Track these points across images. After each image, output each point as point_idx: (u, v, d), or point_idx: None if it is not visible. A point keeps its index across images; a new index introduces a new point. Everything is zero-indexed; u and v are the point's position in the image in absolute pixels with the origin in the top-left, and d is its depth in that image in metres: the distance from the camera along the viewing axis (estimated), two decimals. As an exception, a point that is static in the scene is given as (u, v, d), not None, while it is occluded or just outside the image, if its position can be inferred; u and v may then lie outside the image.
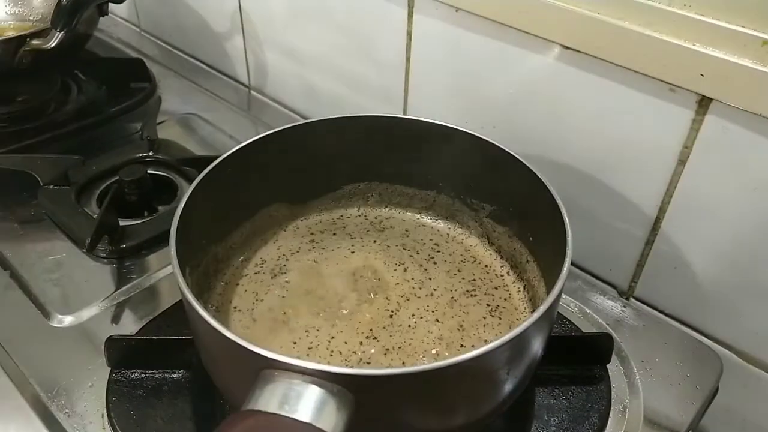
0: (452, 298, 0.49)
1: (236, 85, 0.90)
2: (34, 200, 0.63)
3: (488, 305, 0.49)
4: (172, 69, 0.89)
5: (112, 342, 0.46)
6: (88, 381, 0.46)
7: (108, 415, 0.44)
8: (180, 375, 0.46)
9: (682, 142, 0.49)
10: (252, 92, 0.88)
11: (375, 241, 0.54)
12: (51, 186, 0.63)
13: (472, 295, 0.50)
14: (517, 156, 0.47)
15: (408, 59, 0.65)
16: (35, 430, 0.44)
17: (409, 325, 0.47)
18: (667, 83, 0.47)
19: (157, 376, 0.46)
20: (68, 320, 0.51)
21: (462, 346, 0.45)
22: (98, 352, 0.47)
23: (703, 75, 0.45)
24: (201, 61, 0.94)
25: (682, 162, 0.50)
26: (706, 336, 0.54)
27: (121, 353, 0.46)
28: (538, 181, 0.45)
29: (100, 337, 0.47)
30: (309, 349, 0.45)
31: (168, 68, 0.89)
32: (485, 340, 0.46)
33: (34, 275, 0.55)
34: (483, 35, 0.57)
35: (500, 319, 0.48)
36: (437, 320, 0.47)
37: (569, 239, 0.40)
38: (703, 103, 0.46)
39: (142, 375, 0.46)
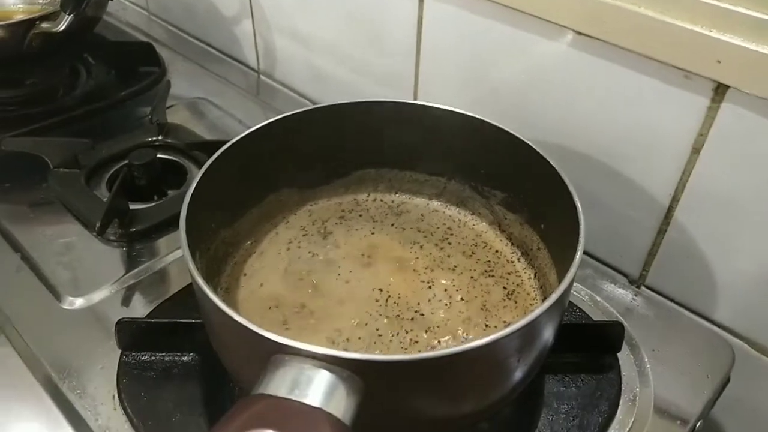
0: (472, 277, 0.50)
1: (245, 69, 0.89)
2: (44, 183, 0.63)
3: (505, 288, 0.49)
4: (181, 53, 0.89)
5: (122, 325, 0.46)
6: (99, 363, 0.47)
7: (119, 397, 0.44)
8: (190, 358, 0.47)
9: (697, 130, 0.48)
10: (261, 77, 0.88)
11: (393, 225, 0.54)
12: (61, 169, 0.63)
13: (490, 276, 0.50)
14: (529, 143, 0.47)
15: (419, 45, 0.64)
16: (47, 410, 0.44)
17: (441, 300, 0.47)
18: (683, 70, 0.47)
19: (167, 358, 0.46)
20: (79, 302, 0.52)
21: (487, 326, 0.46)
22: (109, 335, 0.47)
23: (719, 62, 0.44)
24: (210, 46, 0.94)
25: (696, 150, 0.49)
26: (718, 326, 0.54)
27: (132, 336, 0.46)
28: (551, 169, 0.45)
29: (111, 320, 0.47)
30: (337, 331, 0.45)
31: (177, 52, 0.89)
32: (504, 321, 0.46)
33: (44, 258, 0.56)
34: (495, 20, 0.56)
35: (516, 303, 0.48)
36: (462, 299, 0.47)
37: (582, 227, 0.40)
38: (720, 90, 0.46)
39: (153, 357, 0.46)
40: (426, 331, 0.45)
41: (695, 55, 0.45)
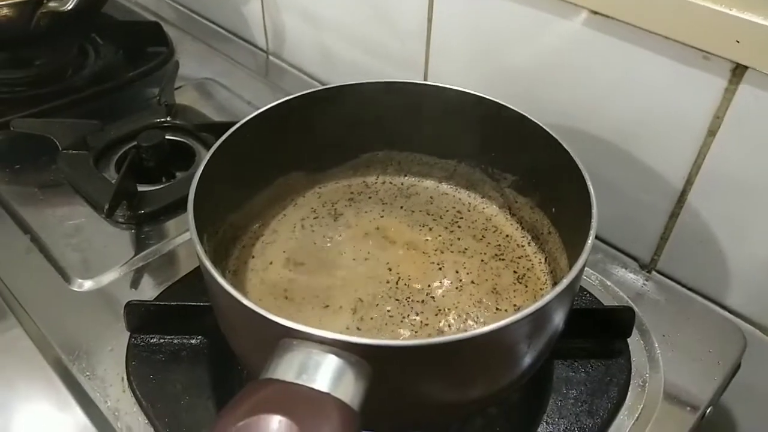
0: (482, 260, 0.49)
1: (254, 49, 0.88)
2: (53, 165, 0.63)
3: (515, 272, 0.49)
4: (190, 33, 0.88)
5: (131, 307, 0.46)
6: (108, 345, 0.47)
7: (128, 379, 0.45)
8: (198, 341, 0.47)
9: (713, 112, 0.47)
10: (270, 57, 0.87)
11: (402, 207, 0.54)
12: (70, 151, 0.63)
13: (500, 259, 0.49)
14: (541, 124, 0.46)
15: (429, 25, 0.63)
16: (57, 391, 0.45)
17: (451, 283, 0.47)
18: (700, 50, 0.45)
19: (175, 341, 0.47)
20: (88, 285, 0.52)
21: (497, 309, 0.46)
22: (118, 317, 0.47)
23: (738, 42, 0.43)
24: (218, 26, 0.93)
25: (712, 133, 0.48)
26: (730, 311, 0.53)
27: (140, 318, 0.46)
28: (563, 151, 0.44)
29: (120, 302, 0.47)
30: (351, 310, 0.45)
31: (185, 32, 0.88)
32: (515, 305, 0.46)
33: (54, 240, 0.56)
34: (507, 0, 0.55)
35: (526, 287, 0.47)
36: (473, 282, 0.47)
37: (594, 211, 0.39)
38: (738, 71, 0.45)
39: (161, 340, 0.47)
40: (436, 314, 0.45)
41: (714, 34, 0.44)
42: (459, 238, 0.51)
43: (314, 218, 0.53)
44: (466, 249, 0.50)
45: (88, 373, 0.45)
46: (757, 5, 0.42)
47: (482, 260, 0.49)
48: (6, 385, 0.45)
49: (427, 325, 0.44)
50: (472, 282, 0.47)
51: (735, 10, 0.42)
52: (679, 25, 0.45)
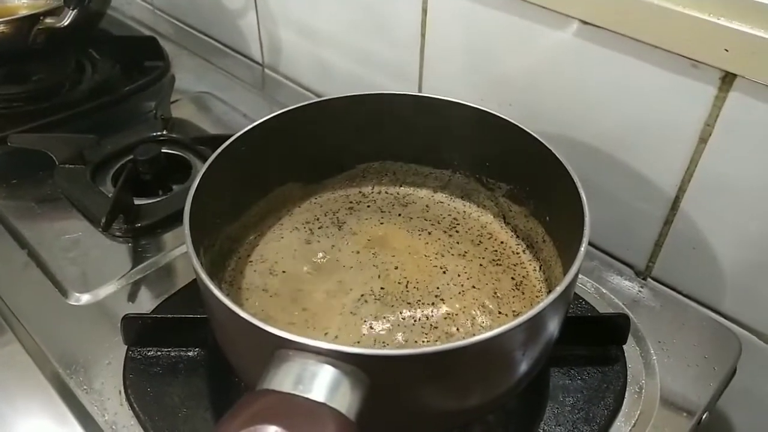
0: (481, 264, 0.50)
1: (250, 63, 0.89)
2: (50, 179, 0.63)
3: (513, 278, 0.49)
4: (186, 47, 0.89)
5: (128, 320, 0.46)
6: (106, 358, 0.47)
7: (125, 392, 0.45)
8: (195, 353, 0.47)
9: (704, 120, 0.48)
10: (266, 70, 0.87)
11: (400, 215, 0.55)
12: (66, 165, 0.64)
13: (497, 264, 0.50)
14: (533, 134, 0.47)
15: (423, 36, 0.64)
16: (55, 406, 0.45)
17: (455, 286, 0.48)
18: (690, 59, 0.46)
19: (172, 354, 0.47)
20: (85, 298, 0.52)
21: (500, 314, 0.46)
22: (115, 330, 0.47)
23: (727, 50, 0.44)
24: (214, 39, 0.94)
25: (703, 140, 0.49)
26: (725, 317, 0.54)
27: (137, 331, 0.46)
28: (556, 160, 0.44)
29: (117, 315, 0.47)
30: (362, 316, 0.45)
31: (181, 46, 0.89)
32: (514, 311, 0.46)
33: (51, 254, 0.56)
34: (500, 11, 0.56)
35: (523, 294, 0.48)
36: (474, 286, 0.48)
37: (587, 219, 0.40)
38: (727, 79, 0.45)
39: (158, 353, 0.47)
40: (444, 317, 0.45)
41: (702, 43, 0.45)
42: (458, 242, 0.52)
43: (318, 227, 0.53)
44: (465, 252, 0.51)
45: (85, 387, 0.45)
46: (745, 14, 0.42)
47: (481, 264, 0.50)
48: (4, 400, 0.45)
49: (436, 327, 0.44)
50: (473, 287, 0.48)
51: (723, 20, 0.43)
52: (668, 34, 0.46)
